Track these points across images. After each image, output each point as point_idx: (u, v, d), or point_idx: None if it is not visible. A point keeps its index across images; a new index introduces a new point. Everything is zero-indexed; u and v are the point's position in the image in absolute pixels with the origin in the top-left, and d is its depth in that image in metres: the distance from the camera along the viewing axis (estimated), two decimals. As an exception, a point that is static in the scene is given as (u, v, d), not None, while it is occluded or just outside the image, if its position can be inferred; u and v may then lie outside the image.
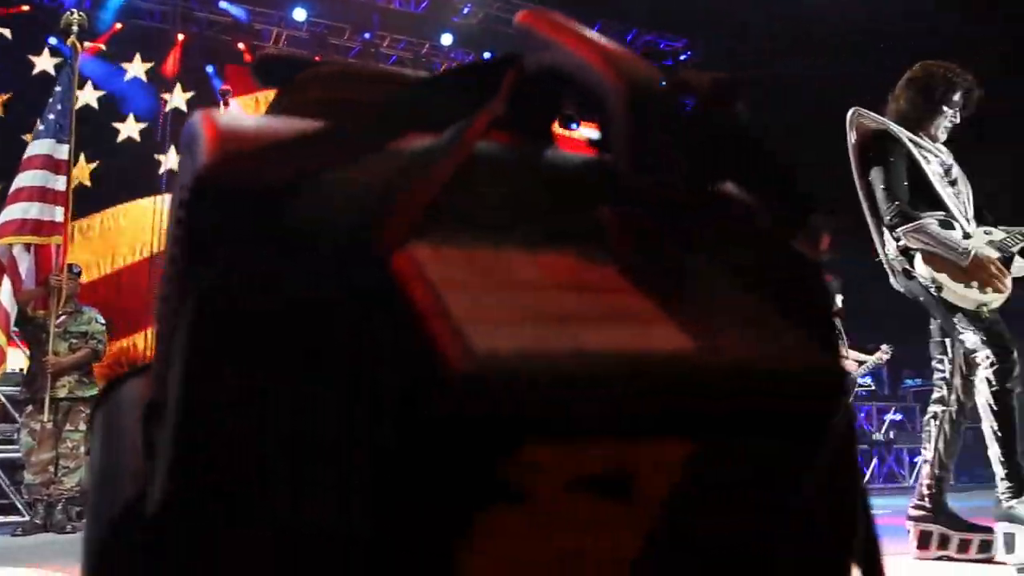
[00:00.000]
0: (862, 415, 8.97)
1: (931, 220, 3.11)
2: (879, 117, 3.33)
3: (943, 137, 3.40)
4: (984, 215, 3.34)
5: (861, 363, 7.05)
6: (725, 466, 0.35)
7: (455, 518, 0.32)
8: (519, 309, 0.33)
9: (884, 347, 7.10)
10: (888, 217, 3.15)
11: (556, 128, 0.52)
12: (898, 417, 9.26)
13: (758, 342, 0.36)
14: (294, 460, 0.33)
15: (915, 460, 8.28)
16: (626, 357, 0.32)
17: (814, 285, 0.46)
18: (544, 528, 0.32)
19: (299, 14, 8.96)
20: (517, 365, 0.30)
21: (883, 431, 9.05)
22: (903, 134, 3.26)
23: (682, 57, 10.11)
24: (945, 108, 3.36)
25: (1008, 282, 3.09)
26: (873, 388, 9.04)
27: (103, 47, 8.06)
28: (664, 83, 0.43)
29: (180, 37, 8.50)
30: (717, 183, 0.46)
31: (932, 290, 3.08)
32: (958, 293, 3.05)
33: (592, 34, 0.46)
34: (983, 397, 2.99)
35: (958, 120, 3.41)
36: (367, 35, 9.25)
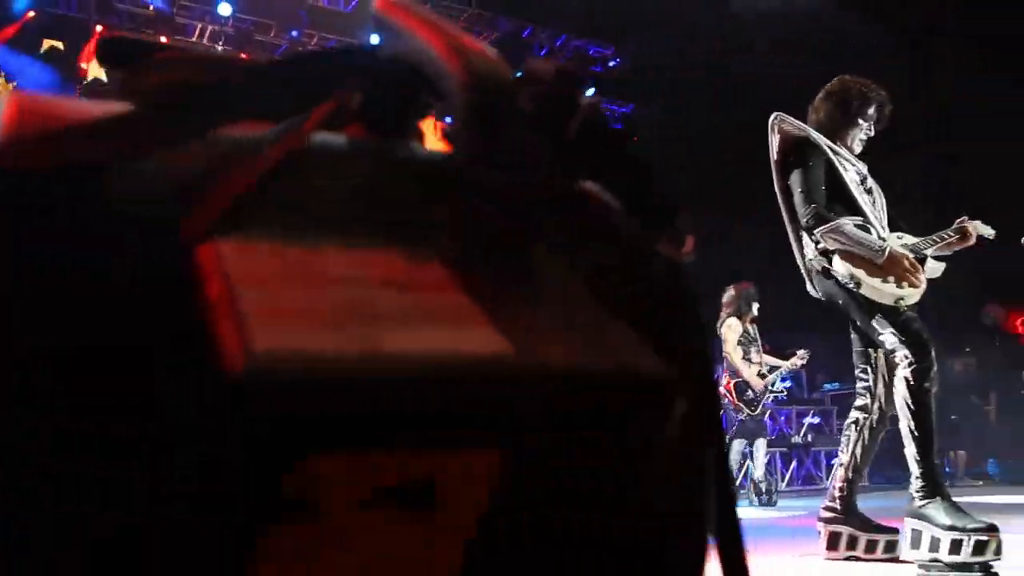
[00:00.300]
0: (782, 418, 9.18)
1: (847, 221, 3.17)
2: (800, 124, 3.40)
3: (858, 149, 3.50)
4: (898, 224, 3.44)
5: (774, 368, 7.19)
6: (542, 469, 0.33)
7: (247, 528, 0.29)
8: (320, 307, 0.31)
9: (800, 352, 7.26)
10: (805, 219, 3.21)
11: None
12: (816, 420, 9.50)
13: (583, 345, 0.34)
14: (80, 456, 0.30)
15: (832, 462, 8.49)
16: (429, 360, 0.30)
17: (668, 287, 0.45)
18: (343, 544, 0.30)
19: (224, 9, 8.73)
20: (299, 367, 0.27)
21: (801, 434, 9.26)
22: (822, 141, 3.34)
23: (611, 63, 10.19)
24: (860, 121, 3.46)
25: (922, 277, 3.18)
26: (790, 392, 9.25)
27: (13, 36, 7.75)
28: (510, 75, 0.41)
29: (98, 28, 8.21)
30: (571, 179, 0.44)
31: (851, 286, 3.14)
32: (876, 288, 3.11)
33: (442, 23, 0.44)
34: (900, 396, 3.04)
35: (872, 133, 3.52)
36: (294, 33, 9.10)
